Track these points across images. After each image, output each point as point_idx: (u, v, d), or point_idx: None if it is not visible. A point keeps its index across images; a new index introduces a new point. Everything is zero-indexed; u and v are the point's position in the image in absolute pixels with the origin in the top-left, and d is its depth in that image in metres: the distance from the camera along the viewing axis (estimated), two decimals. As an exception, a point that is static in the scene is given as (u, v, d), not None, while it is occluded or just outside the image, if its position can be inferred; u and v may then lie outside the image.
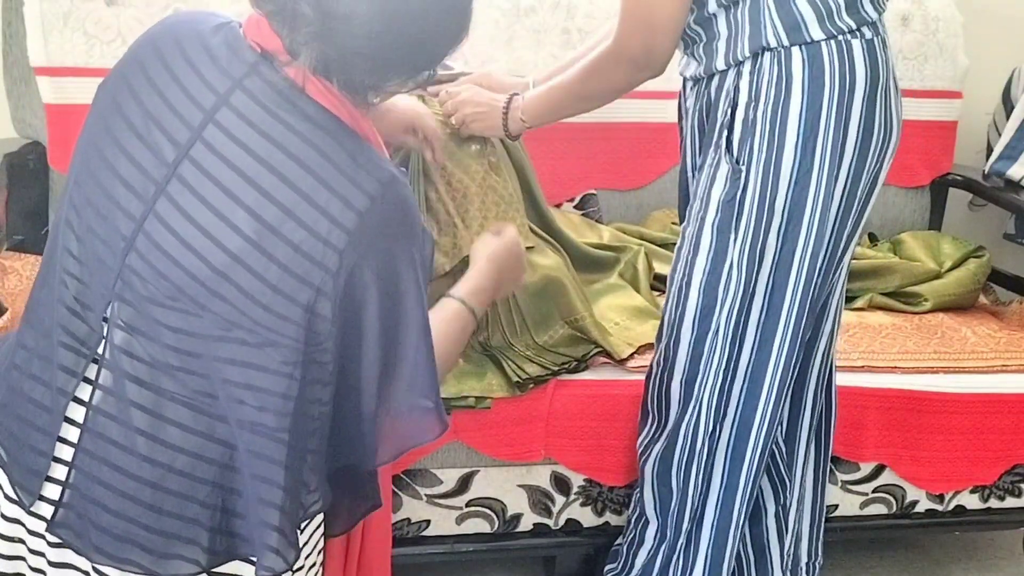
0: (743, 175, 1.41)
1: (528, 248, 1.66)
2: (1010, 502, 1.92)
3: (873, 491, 1.86)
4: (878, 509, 1.88)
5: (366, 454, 1.13)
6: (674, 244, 2.08)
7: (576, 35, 2.16)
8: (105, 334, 1.05)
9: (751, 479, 1.55)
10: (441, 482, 1.69)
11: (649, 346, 1.76)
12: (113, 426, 1.04)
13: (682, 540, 1.60)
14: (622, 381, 1.70)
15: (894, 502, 1.87)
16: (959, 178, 2.35)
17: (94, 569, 1.07)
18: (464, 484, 1.70)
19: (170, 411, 1.04)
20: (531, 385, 1.64)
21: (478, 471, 1.69)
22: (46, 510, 1.07)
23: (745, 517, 1.58)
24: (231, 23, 1.07)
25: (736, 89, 1.41)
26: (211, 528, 1.06)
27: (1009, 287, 2.25)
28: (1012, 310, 2.13)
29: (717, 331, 1.47)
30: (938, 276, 2.13)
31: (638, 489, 1.64)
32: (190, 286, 1.01)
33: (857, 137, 1.40)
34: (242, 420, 1.04)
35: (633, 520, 1.66)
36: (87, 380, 1.06)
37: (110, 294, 1.04)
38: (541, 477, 1.73)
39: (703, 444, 1.54)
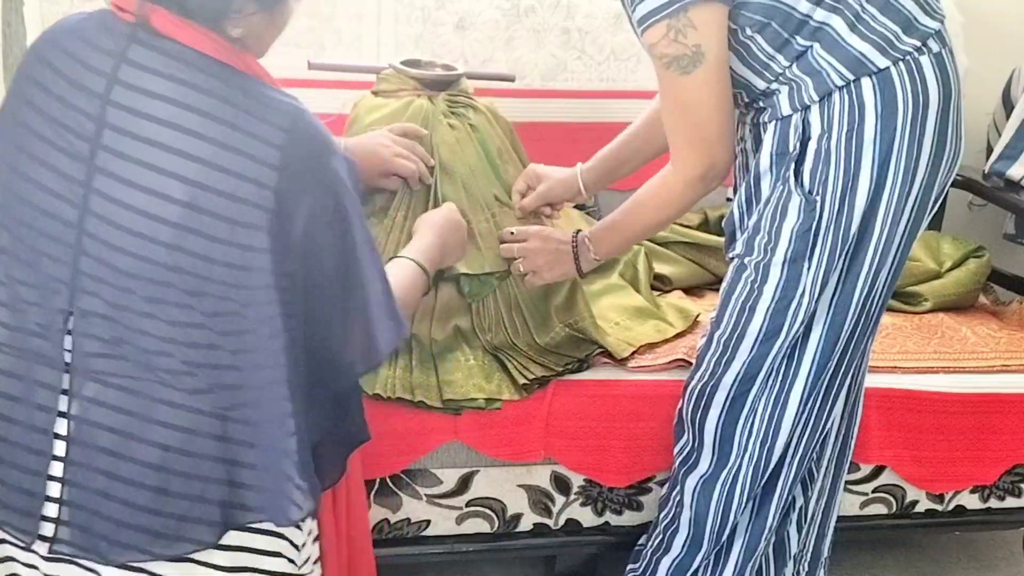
0: (817, 205, 1.38)
1: None
2: (1010, 502, 1.92)
3: (873, 491, 1.85)
4: (878, 509, 1.88)
5: (346, 372, 1.15)
6: (674, 243, 2.10)
7: (576, 35, 2.16)
8: (70, 346, 1.04)
9: (788, 486, 1.55)
10: (441, 482, 1.68)
11: (649, 346, 1.77)
12: (101, 434, 1.04)
13: (717, 549, 1.59)
14: (622, 381, 1.70)
15: (894, 502, 1.87)
16: (959, 178, 2.32)
17: (92, 571, 1.07)
18: (464, 484, 1.69)
19: (155, 399, 1.03)
20: (536, 386, 1.64)
21: (478, 471, 1.69)
22: (47, 529, 1.06)
23: (778, 522, 1.58)
24: (103, 8, 1.07)
25: (806, 123, 1.38)
26: (219, 503, 1.06)
27: (1009, 287, 2.25)
28: (1012, 310, 2.13)
29: (779, 352, 1.46)
30: (938, 276, 2.13)
31: (676, 494, 1.61)
32: (147, 270, 1.01)
33: (930, 153, 1.38)
34: (232, 384, 1.05)
35: (663, 525, 1.64)
36: (63, 391, 1.05)
37: (67, 302, 1.04)
38: (541, 477, 1.73)
39: (757, 458, 1.52)
